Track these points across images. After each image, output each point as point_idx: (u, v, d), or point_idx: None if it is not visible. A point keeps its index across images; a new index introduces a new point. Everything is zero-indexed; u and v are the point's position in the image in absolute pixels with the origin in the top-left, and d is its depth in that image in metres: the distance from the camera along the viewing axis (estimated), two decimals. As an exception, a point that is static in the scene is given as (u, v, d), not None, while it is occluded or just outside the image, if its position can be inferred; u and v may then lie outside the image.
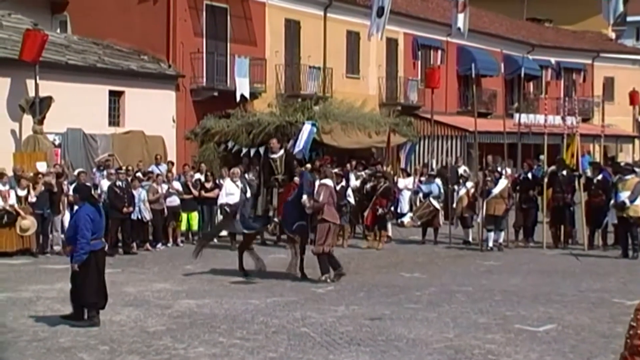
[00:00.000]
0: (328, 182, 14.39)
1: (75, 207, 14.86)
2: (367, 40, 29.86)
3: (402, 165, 25.25)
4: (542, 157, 19.87)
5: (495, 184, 18.56)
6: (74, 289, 10.26)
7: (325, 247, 13.77)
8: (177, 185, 19.59)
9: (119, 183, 17.93)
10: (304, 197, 13.48)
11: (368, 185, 19.57)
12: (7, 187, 17.16)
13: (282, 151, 14.79)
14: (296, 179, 14.23)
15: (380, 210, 18.73)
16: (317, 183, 14.43)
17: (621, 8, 35.47)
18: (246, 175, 20.05)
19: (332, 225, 14.07)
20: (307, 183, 13.66)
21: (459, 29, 29.00)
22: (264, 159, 15.30)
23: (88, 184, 16.42)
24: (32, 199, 17.18)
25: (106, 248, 11.17)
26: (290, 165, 14.67)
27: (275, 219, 14.34)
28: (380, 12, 26.84)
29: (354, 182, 20.24)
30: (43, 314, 10.99)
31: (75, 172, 18.97)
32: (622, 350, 4.54)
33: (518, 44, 40.82)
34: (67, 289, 12.98)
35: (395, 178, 22.31)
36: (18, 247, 17.06)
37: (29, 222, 17.00)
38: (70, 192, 17.79)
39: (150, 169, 20.88)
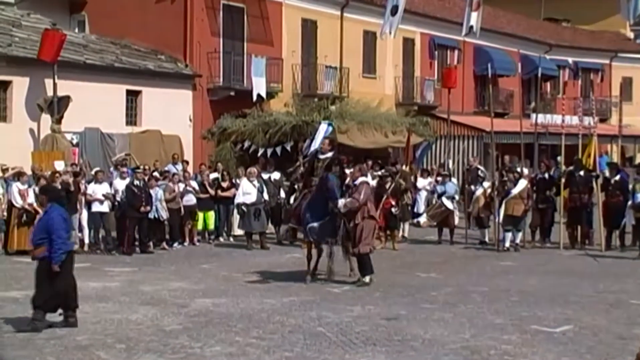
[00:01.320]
0: (367, 179, 14.15)
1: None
2: (380, 38, 29.79)
3: (415, 164, 25.19)
4: (559, 158, 19.78)
5: (515, 184, 18.50)
6: (45, 291, 10.04)
7: (371, 247, 13.61)
8: (193, 184, 19.66)
9: (136, 182, 18.01)
10: (340, 202, 13.07)
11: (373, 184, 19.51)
12: (26, 186, 17.26)
13: (331, 153, 14.38)
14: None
15: (394, 210, 18.67)
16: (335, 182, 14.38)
17: (641, 7, 35.29)
18: (270, 175, 20.07)
19: (376, 224, 13.98)
20: (334, 187, 13.23)
21: (471, 27, 28.89)
22: (310, 158, 14.84)
23: (55, 185, 15.99)
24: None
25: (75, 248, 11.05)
26: (330, 167, 13.90)
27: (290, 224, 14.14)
28: (394, 11, 26.75)
29: (371, 182, 20.19)
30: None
31: (93, 171, 19.07)
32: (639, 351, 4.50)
33: (535, 44, 40.63)
34: (84, 287, 13.11)
35: (412, 178, 22.27)
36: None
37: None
38: (90, 191, 17.97)
39: (167, 168, 20.95)
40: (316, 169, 13.98)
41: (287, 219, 14.23)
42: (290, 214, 14.48)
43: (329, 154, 14.20)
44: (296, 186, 19.16)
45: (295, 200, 14.28)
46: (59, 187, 15.45)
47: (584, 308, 11.52)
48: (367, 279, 13.35)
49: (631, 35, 49.45)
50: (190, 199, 19.36)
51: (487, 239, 19.62)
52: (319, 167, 13.92)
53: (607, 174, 19.46)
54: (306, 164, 14.31)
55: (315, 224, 13.30)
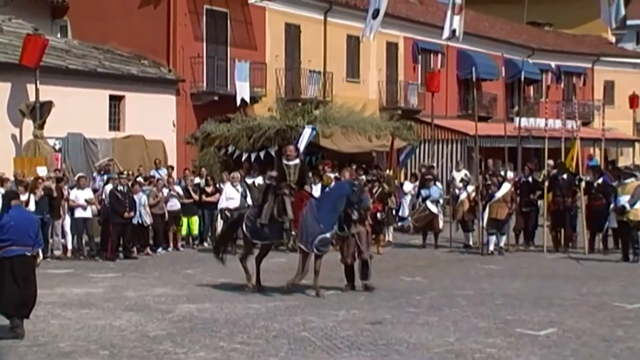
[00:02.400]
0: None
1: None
2: (361, 41, 29.79)
3: (398, 168, 25.20)
4: (549, 162, 19.88)
5: (499, 187, 18.55)
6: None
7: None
8: (177, 188, 19.60)
9: (120, 188, 17.93)
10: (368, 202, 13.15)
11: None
12: (8, 192, 17.14)
13: (297, 159, 13.86)
14: (308, 187, 13.82)
15: (379, 215, 18.68)
16: (313, 187, 14.27)
17: (622, 11, 35.42)
18: (254, 180, 20.02)
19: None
20: (360, 193, 13.25)
21: (454, 31, 28.99)
22: (277, 164, 14.36)
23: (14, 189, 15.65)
24: (32, 204, 17.14)
25: (37, 253, 10.40)
26: (304, 175, 13.90)
27: (293, 232, 13.28)
28: (375, 14, 26.77)
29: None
30: (43, 318, 10.98)
31: (76, 177, 18.98)
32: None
33: (518, 48, 40.79)
34: (68, 293, 13.04)
35: (397, 182, 22.29)
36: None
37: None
38: (72, 197, 17.88)
39: (151, 174, 20.88)
40: (288, 175, 13.52)
41: (280, 228, 13.30)
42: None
43: (296, 160, 13.75)
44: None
45: (262, 205, 13.41)
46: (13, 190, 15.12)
47: (567, 311, 11.56)
48: (368, 282, 13.41)
49: (613, 39, 49.82)
50: (175, 204, 19.30)
51: (471, 243, 19.67)
52: (292, 174, 13.54)
53: (589, 177, 19.58)
54: (272, 175, 13.73)
55: (327, 235, 13.00)
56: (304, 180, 13.83)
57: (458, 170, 23.14)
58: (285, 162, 13.69)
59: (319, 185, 18.29)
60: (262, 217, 13.23)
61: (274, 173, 13.70)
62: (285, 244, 14.85)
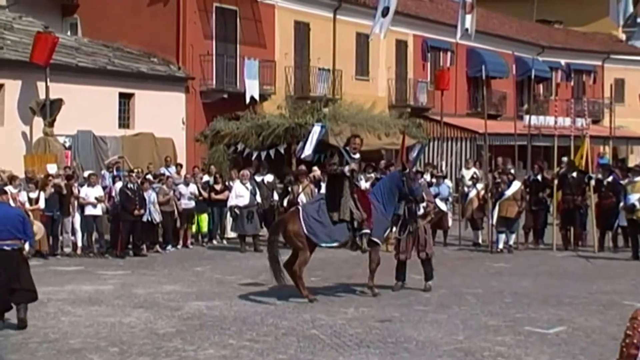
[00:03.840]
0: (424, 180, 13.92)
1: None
2: (370, 39, 29.80)
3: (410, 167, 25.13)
4: (564, 158, 19.83)
5: (508, 185, 18.53)
6: None
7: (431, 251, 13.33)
8: (193, 188, 19.59)
9: (130, 185, 17.98)
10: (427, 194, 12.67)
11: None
12: (18, 189, 17.20)
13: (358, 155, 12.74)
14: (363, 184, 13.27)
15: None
16: (323, 185, 13.96)
17: (631, 9, 35.38)
18: (264, 178, 20.04)
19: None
20: (419, 184, 12.91)
21: (466, 30, 28.95)
22: (345, 158, 12.52)
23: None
24: (42, 201, 17.21)
25: (25, 248, 10.70)
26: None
27: (366, 230, 12.26)
28: (385, 12, 26.74)
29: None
30: (54, 315, 11.03)
31: (85, 174, 19.03)
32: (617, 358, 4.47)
33: (528, 46, 40.71)
34: (77, 290, 13.09)
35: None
36: (29, 249, 17.09)
37: (36, 228, 16.96)
38: (82, 195, 17.93)
39: (162, 171, 20.93)
40: (355, 171, 12.63)
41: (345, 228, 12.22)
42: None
43: (358, 155, 12.67)
44: (289, 189, 19.18)
45: (335, 199, 12.11)
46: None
47: (577, 309, 11.53)
48: (430, 283, 13.17)
49: (623, 37, 49.63)
50: (190, 202, 19.35)
51: (480, 241, 19.64)
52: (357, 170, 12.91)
53: (599, 175, 19.53)
54: (337, 169, 12.33)
55: (387, 226, 12.78)
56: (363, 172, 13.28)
57: (467, 168, 23.09)
58: (352, 155, 12.48)
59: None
60: (341, 212, 12.02)
61: (354, 166, 12.31)
62: (352, 244, 12.55)
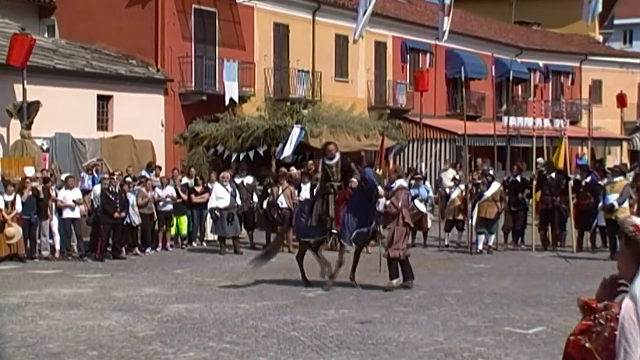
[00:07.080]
0: (403, 183, 14.08)
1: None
2: (353, 42, 29.83)
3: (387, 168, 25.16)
4: (540, 160, 19.93)
5: (488, 186, 18.60)
6: None
7: (401, 252, 13.37)
8: (170, 190, 19.51)
9: (111, 188, 17.86)
10: (381, 201, 12.97)
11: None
12: (-5, 193, 17.08)
13: (338, 156, 13.75)
14: (352, 184, 13.44)
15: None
16: (303, 186, 14.04)
17: (600, 9, 35.72)
18: (243, 180, 20.00)
19: (409, 230, 14.01)
20: (372, 177, 13.15)
21: (444, 32, 29.06)
22: (321, 165, 14.32)
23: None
24: (19, 204, 17.07)
25: None
26: (349, 170, 13.75)
27: (334, 230, 13.55)
28: (364, 14, 26.79)
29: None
30: (31, 319, 10.94)
31: (63, 177, 18.89)
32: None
33: (506, 47, 40.93)
34: (56, 293, 12.99)
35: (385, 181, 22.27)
36: (6, 252, 16.97)
37: (13, 230, 16.89)
38: (60, 197, 17.81)
39: (143, 174, 20.82)
40: (331, 175, 13.58)
41: (323, 227, 13.56)
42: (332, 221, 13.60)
43: (337, 158, 13.72)
44: (269, 190, 19.17)
45: (312, 207, 13.65)
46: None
47: (556, 309, 11.58)
48: (393, 282, 13.27)
49: (600, 38, 50.01)
50: (166, 205, 19.27)
51: (447, 242, 19.74)
52: (334, 173, 13.58)
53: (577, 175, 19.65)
54: (317, 175, 14.06)
55: (364, 229, 13.24)
56: (350, 175, 13.67)
57: (445, 170, 23.15)
58: (326, 162, 13.77)
59: (309, 185, 18.28)
60: (312, 219, 13.58)
61: (318, 175, 13.97)
62: (327, 242, 15.05)
